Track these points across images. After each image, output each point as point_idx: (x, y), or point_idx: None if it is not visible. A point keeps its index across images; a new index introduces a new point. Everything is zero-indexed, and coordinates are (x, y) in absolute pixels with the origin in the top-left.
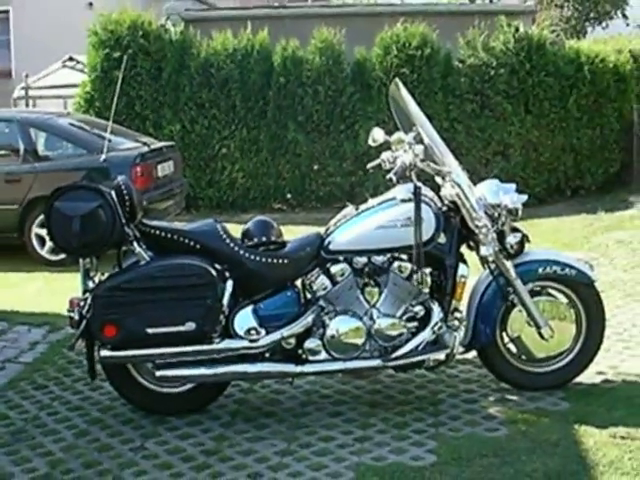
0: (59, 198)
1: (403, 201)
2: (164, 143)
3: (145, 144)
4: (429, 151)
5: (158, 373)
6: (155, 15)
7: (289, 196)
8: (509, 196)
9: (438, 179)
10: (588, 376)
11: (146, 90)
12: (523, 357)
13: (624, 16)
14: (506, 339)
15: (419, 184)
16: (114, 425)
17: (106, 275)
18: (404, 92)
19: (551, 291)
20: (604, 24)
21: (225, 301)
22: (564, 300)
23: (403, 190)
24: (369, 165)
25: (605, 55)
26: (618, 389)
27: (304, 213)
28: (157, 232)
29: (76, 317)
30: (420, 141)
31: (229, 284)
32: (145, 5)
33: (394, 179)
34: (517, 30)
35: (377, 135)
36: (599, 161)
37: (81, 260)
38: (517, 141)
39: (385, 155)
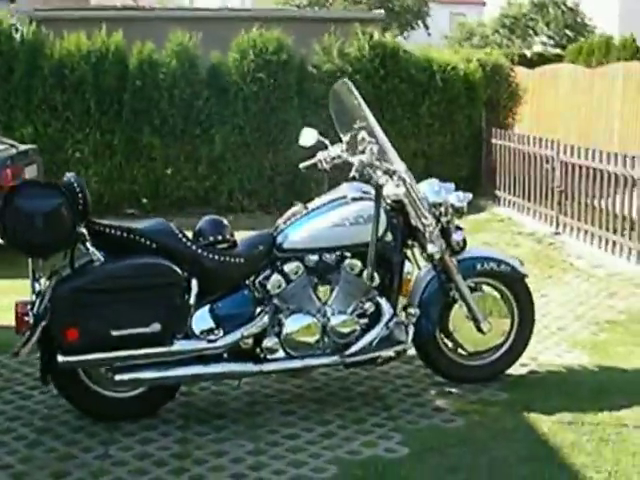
0: (17, 194)
1: (354, 200)
2: (29, 146)
3: (13, 146)
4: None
5: (117, 377)
6: (7, 14)
7: (145, 201)
8: (455, 195)
9: (383, 178)
10: (513, 368)
11: None
12: (459, 351)
13: (425, 27)
14: (441, 334)
15: (381, 182)
16: (65, 434)
17: (59, 276)
18: (356, 92)
19: (484, 287)
20: (405, 34)
21: (192, 301)
22: (496, 295)
23: (352, 189)
24: (302, 165)
25: (455, 64)
26: (547, 379)
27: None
28: (110, 231)
29: (31, 321)
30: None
31: (194, 283)
32: None
33: (357, 177)
34: (372, 37)
35: (310, 136)
36: (449, 166)
37: (30, 261)
38: None
39: (321, 155)
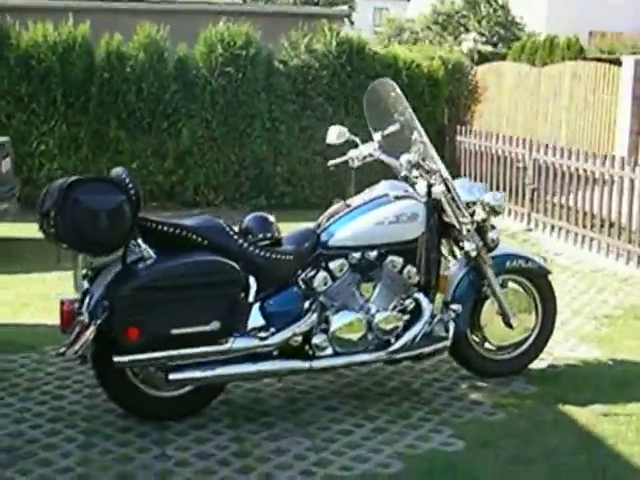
0: (76, 190)
1: (397, 198)
2: (3, 138)
3: None
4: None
5: (171, 376)
6: None
7: None
8: (491, 194)
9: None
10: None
11: None
12: (486, 345)
13: (351, 22)
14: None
15: (432, 181)
16: (115, 434)
17: (109, 273)
18: (400, 92)
19: (509, 283)
20: None
21: (251, 298)
22: (521, 290)
23: (392, 187)
24: (331, 162)
25: (420, 61)
26: (569, 372)
27: None
28: (161, 227)
29: (86, 320)
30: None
31: (252, 280)
32: None
33: (410, 176)
34: (338, 34)
35: (339, 134)
36: None
37: (80, 258)
38: None
39: (353, 153)
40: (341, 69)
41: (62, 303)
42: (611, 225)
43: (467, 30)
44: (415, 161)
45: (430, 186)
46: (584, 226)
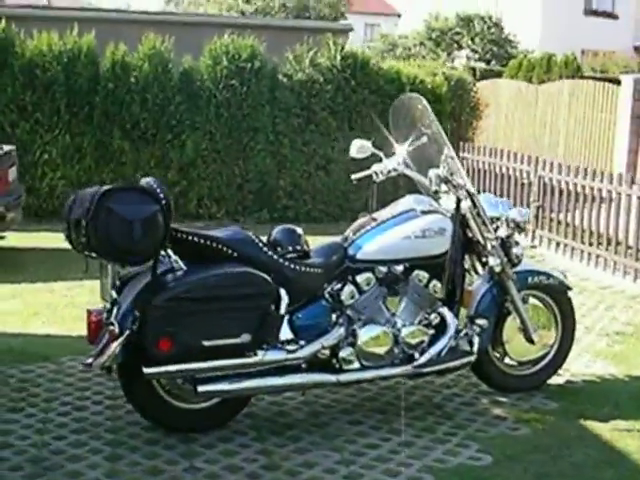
0: (111, 199)
1: (424, 212)
2: (10, 147)
3: None
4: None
5: (200, 388)
6: None
7: None
8: (516, 210)
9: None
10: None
11: None
12: (506, 360)
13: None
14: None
15: (460, 196)
16: (141, 446)
17: (138, 283)
18: (427, 106)
19: (530, 298)
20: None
21: (283, 311)
22: (542, 306)
23: (418, 202)
24: (354, 176)
25: (423, 77)
26: (587, 388)
27: None
28: (192, 238)
29: (117, 330)
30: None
31: (283, 293)
32: None
33: (439, 191)
34: (343, 48)
35: (363, 148)
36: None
37: (110, 268)
38: (340, 156)
39: (377, 167)
40: (345, 84)
41: (89, 313)
42: (618, 243)
43: (460, 47)
44: (444, 176)
45: (459, 201)
46: (590, 244)
